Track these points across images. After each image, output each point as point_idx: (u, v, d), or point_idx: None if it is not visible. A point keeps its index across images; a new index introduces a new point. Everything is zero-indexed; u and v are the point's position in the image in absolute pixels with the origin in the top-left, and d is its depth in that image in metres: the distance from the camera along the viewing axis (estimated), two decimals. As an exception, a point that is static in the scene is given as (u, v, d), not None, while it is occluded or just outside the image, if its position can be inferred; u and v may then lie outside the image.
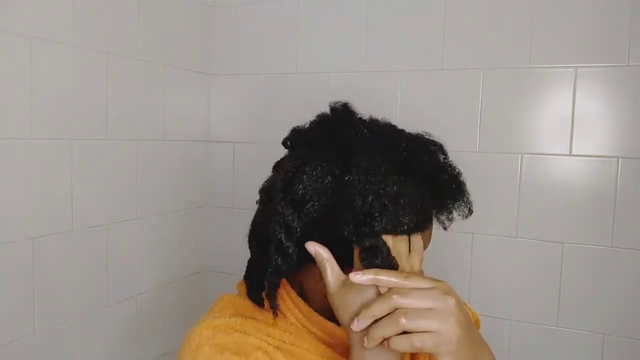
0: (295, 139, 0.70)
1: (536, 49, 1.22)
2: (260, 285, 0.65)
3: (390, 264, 0.58)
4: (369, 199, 0.58)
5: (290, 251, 0.61)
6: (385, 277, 0.56)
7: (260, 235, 0.67)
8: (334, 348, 0.67)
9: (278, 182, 0.64)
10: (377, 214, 0.58)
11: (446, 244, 1.31)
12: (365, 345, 0.55)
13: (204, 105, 1.57)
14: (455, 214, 0.69)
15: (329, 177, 0.61)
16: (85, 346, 1.19)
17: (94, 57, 1.17)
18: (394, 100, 1.35)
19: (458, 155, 1.28)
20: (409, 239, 0.62)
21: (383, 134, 0.67)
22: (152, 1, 1.33)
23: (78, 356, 1.18)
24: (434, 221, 0.70)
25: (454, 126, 1.30)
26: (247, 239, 0.70)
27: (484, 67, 1.27)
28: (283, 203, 0.61)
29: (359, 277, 0.56)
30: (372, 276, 0.56)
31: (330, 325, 0.66)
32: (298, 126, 0.70)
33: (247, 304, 0.69)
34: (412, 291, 0.54)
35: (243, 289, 0.72)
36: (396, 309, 0.54)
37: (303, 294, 0.68)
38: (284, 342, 0.64)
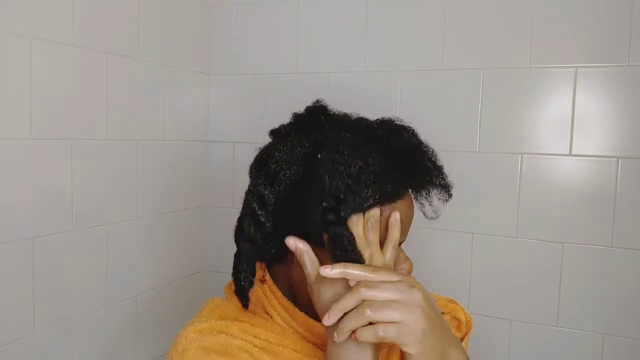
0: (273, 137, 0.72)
1: (536, 49, 1.22)
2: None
3: (351, 255, 0.58)
4: (336, 181, 0.58)
5: (263, 219, 0.62)
6: (353, 271, 0.56)
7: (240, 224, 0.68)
8: (322, 348, 0.67)
9: (253, 163, 0.67)
10: (342, 196, 0.58)
11: (446, 243, 1.31)
12: (335, 339, 0.56)
13: (204, 105, 1.57)
14: (434, 196, 0.68)
15: (298, 148, 0.63)
16: (85, 346, 1.19)
17: (94, 57, 1.17)
18: (394, 100, 1.35)
19: (458, 155, 1.29)
20: (387, 227, 0.62)
21: (354, 120, 0.69)
22: (152, 1, 1.33)
23: (78, 356, 1.18)
24: (416, 206, 0.69)
25: (454, 126, 1.30)
26: (233, 235, 0.70)
27: (484, 67, 1.27)
28: (256, 175, 0.64)
29: (328, 270, 0.57)
30: (341, 270, 0.57)
31: (317, 324, 0.66)
32: (274, 128, 0.71)
33: (234, 307, 0.70)
34: (378, 284, 0.55)
35: (230, 291, 0.73)
36: (363, 301, 0.55)
37: (291, 293, 0.69)
38: (270, 342, 0.64)
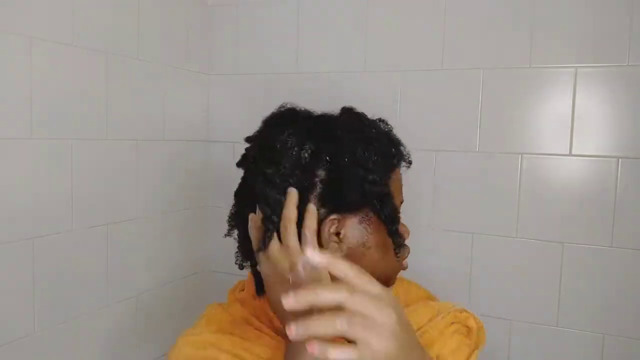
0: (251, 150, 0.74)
1: (536, 49, 1.22)
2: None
3: (395, 215, 0.65)
4: (367, 148, 0.65)
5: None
6: (339, 265, 0.49)
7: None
8: None
9: (256, 162, 0.70)
10: (375, 159, 0.65)
11: (446, 243, 1.31)
12: (292, 333, 0.46)
13: (204, 105, 1.57)
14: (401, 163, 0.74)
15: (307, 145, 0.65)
16: (85, 346, 1.19)
17: (94, 57, 1.17)
18: (394, 100, 1.35)
19: (458, 155, 1.29)
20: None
21: (323, 114, 0.73)
22: (152, 1, 1.33)
23: (78, 356, 1.18)
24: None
25: (454, 126, 1.30)
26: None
27: (484, 67, 1.27)
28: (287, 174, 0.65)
29: (312, 255, 0.48)
30: (328, 259, 0.48)
31: None
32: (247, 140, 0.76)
33: (230, 318, 0.71)
34: (360, 293, 0.48)
35: (233, 297, 0.73)
36: (340, 307, 0.47)
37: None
38: (261, 357, 0.65)
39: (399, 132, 0.77)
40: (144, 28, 1.31)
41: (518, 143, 1.25)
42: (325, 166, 0.64)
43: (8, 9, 0.98)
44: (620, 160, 1.17)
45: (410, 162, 0.75)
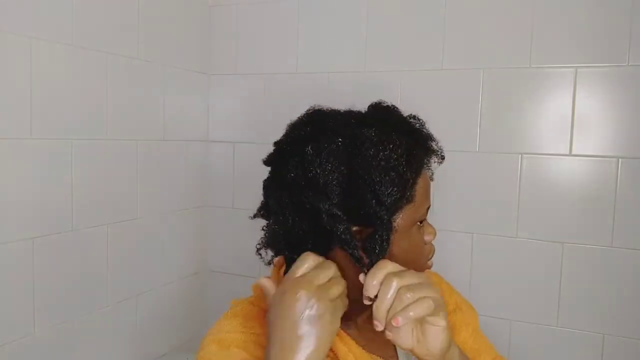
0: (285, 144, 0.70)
1: (536, 49, 1.22)
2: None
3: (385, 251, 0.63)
4: (382, 176, 0.62)
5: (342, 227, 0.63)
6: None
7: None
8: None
9: (285, 181, 0.65)
10: (401, 180, 0.63)
11: (446, 243, 1.31)
12: (396, 323, 0.58)
13: (204, 105, 1.57)
14: (432, 160, 0.73)
15: (333, 147, 0.64)
16: (85, 346, 1.19)
17: (94, 57, 1.17)
18: (394, 100, 1.33)
19: (458, 155, 1.29)
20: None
21: (352, 113, 0.73)
22: (152, 1, 1.33)
23: (78, 356, 1.18)
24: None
25: (454, 126, 1.30)
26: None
27: (484, 67, 1.27)
28: (299, 192, 0.63)
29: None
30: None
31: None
32: (280, 139, 0.70)
33: (256, 313, 0.70)
34: (401, 272, 0.60)
35: (259, 291, 0.72)
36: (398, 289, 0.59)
37: None
38: None
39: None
40: (144, 28, 1.31)
41: (518, 143, 1.25)
42: (348, 182, 0.63)
43: (8, 9, 0.98)
44: (620, 160, 1.17)
45: (442, 157, 0.74)
